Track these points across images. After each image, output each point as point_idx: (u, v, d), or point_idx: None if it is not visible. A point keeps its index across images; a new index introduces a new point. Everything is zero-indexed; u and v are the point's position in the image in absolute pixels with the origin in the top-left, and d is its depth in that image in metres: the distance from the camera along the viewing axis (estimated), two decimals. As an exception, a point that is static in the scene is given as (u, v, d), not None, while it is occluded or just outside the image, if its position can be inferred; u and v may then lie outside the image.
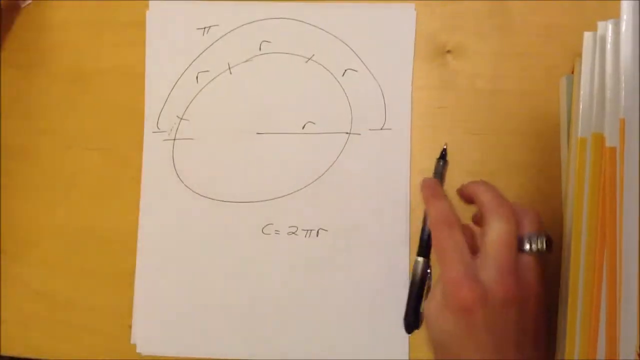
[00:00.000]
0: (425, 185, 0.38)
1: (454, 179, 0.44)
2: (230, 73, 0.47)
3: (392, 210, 0.44)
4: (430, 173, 0.44)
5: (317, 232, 0.44)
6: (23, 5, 0.49)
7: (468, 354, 0.33)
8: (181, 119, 0.47)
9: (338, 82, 0.46)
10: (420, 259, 0.43)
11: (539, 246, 0.35)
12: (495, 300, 0.33)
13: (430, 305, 0.35)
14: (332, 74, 0.46)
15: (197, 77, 0.47)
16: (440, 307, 0.34)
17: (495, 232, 0.34)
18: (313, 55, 0.46)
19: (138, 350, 0.45)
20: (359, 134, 0.45)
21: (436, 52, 0.45)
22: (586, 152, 0.37)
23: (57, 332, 0.47)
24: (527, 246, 0.35)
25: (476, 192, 0.37)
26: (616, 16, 0.34)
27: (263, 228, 0.45)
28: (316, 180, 0.45)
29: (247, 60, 0.47)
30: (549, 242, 0.35)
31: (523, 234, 0.35)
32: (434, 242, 0.36)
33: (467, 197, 0.38)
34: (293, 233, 0.45)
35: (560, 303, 0.40)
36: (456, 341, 0.33)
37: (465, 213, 0.38)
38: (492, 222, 0.34)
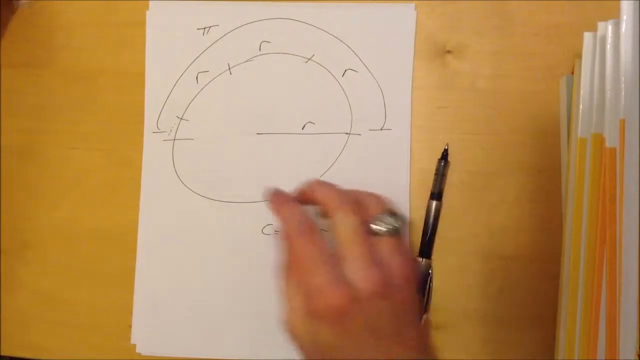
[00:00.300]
0: (271, 196, 0.36)
1: (455, 179, 0.44)
2: (230, 73, 0.47)
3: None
4: (430, 173, 0.44)
5: (317, 232, 0.44)
6: (17, 6, 0.49)
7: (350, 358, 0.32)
8: (181, 119, 0.47)
9: (338, 82, 0.46)
10: (422, 259, 0.43)
11: (390, 225, 0.34)
12: (365, 297, 0.31)
13: (294, 320, 0.33)
14: (332, 74, 0.46)
15: (197, 77, 0.47)
16: (308, 320, 0.32)
17: (342, 228, 0.33)
18: (313, 55, 0.46)
19: (138, 350, 0.45)
20: (359, 135, 0.45)
21: (436, 52, 0.45)
22: (586, 152, 0.37)
23: (57, 332, 0.47)
24: (379, 228, 0.34)
25: (313, 193, 0.36)
26: (616, 16, 0.34)
27: (263, 228, 0.45)
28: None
29: (247, 61, 0.47)
30: (398, 218, 0.34)
31: (370, 218, 0.34)
32: (290, 251, 0.34)
33: (308, 201, 0.37)
34: (293, 233, 0.45)
35: (560, 303, 0.40)
36: (336, 351, 0.32)
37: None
38: (335, 219, 0.33)
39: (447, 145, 0.44)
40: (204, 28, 0.47)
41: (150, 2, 0.48)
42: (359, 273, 0.32)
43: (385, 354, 0.32)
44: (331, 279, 0.32)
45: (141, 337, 0.45)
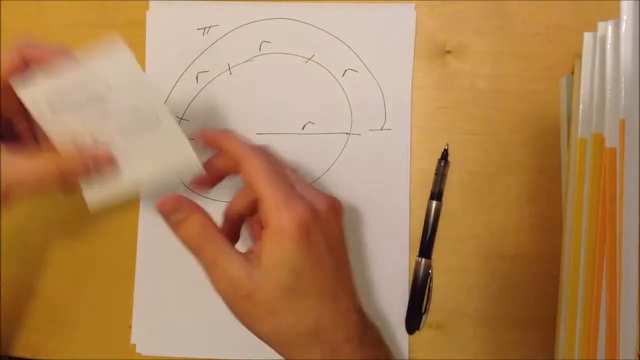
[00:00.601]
0: (204, 131, 0.36)
1: (455, 179, 0.44)
2: (230, 73, 0.47)
3: (392, 210, 0.44)
4: (430, 173, 0.44)
5: (317, 232, 0.44)
6: None
7: (315, 286, 0.32)
8: (181, 119, 0.47)
9: (338, 82, 0.46)
10: (421, 259, 0.43)
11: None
12: (322, 214, 0.32)
13: (254, 265, 0.32)
14: (332, 74, 0.46)
15: (197, 77, 0.47)
16: (270, 244, 0.31)
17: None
18: (313, 55, 0.46)
19: (138, 350, 0.45)
20: (359, 135, 0.45)
21: (436, 52, 0.45)
22: (586, 153, 0.37)
23: (57, 332, 0.47)
24: None
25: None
26: (616, 16, 0.34)
27: (263, 228, 0.45)
28: (316, 181, 0.45)
29: (247, 61, 0.47)
30: None
31: None
32: (245, 167, 0.33)
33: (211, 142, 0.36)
34: (293, 233, 0.45)
35: (560, 303, 0.40)
36: (299, 277, 0.31)
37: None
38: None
39: (447, 145, 0.44)
40: (204, 28, 0.47)
41: (150, 2, 0.48)
42: (313, 192, 0.34)
43: (342, 281, 0.33)
44: (294, 192, 0.32)
45: (141, 337, 0.45)
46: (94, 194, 0.36)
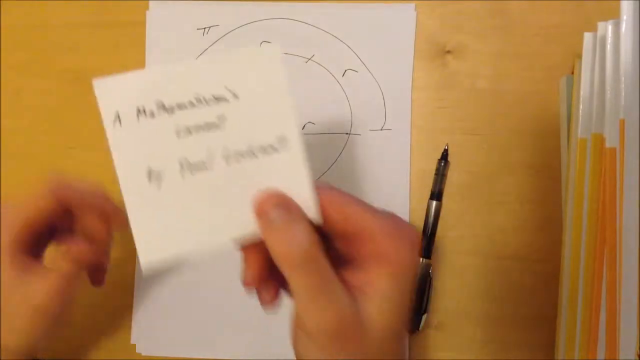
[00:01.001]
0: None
1: (455, 179, 0.44)
2: (230, 73, 0.47)
3: (392, 211, 0.44)
4: (430, 173, 0.44)
5: (317, 232, 0.44)
6: None
7: (403, 324, 0.28)
8: (181, 119, 0.47)
9: (338, 82, 0.46)
10: (421, 259, 0.43)
11: None
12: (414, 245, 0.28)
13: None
14: (332, 74, 0.46)
15: (197, 77, 0.47)
16: (386, 286, 0.26)
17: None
18: (313, 55, 0.46)
19: (138, 350, 0.45)
20: (359, 135, 0.45)
21: (436, 52, 0.45)
22: (586, 153, 0.37)
23: (57, 332, 0.47)
24: None
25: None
26: (616, 16, 0.34)
27: (263, 228, 0.45)
28: (316, 181, 0.45)
29: (247, 60, 0.47)
30: None
31: None
32: (332, 202, 0.28)
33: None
34: (293, 233, 0.45)
35: (560, 303, 0.40)
36: (404, 313, 0.27)
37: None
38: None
39: (447, 145, 0.44)
40: (204, 28, 0.47)
41: (150, 2, 0.48)
42: (390, 213, 0.30)
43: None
44: (396, 218, 0.29)
45: (141, 337, 0.45)
46: (153, 249, 0.26)
